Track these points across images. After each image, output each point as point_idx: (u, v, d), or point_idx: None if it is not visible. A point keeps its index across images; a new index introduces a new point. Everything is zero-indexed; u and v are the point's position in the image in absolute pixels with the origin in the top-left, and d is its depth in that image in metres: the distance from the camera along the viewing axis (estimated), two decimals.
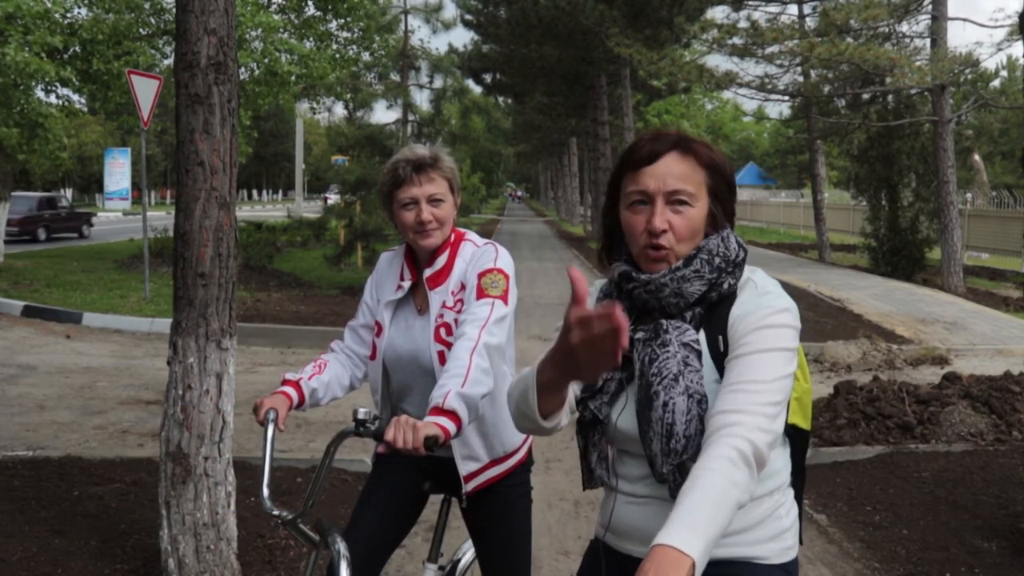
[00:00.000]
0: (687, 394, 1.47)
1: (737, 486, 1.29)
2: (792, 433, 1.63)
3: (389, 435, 1.84)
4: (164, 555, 3.30)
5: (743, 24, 17.75)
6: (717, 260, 1.54)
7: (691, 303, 1.54)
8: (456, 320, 2.21)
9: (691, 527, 1.20)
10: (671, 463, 1.47)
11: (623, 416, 1.58)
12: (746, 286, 1.56)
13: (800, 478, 1.69)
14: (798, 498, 1.68)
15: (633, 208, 1.56)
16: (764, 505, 1.57)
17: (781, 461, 1.61)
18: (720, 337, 1.52)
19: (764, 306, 1.50)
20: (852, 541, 4.19)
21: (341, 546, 1.33)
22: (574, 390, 1.62)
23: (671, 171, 1.53)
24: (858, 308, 12.08)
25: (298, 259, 17.21)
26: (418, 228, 2.24)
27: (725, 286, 1.54)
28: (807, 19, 20.22)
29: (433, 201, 2.24)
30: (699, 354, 1.51)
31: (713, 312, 1.55)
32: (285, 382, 2.25)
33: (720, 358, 1.52)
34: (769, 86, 18.87)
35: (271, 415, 2.12)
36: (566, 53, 24.87)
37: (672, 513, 1.24)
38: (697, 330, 1.54)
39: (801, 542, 1.69)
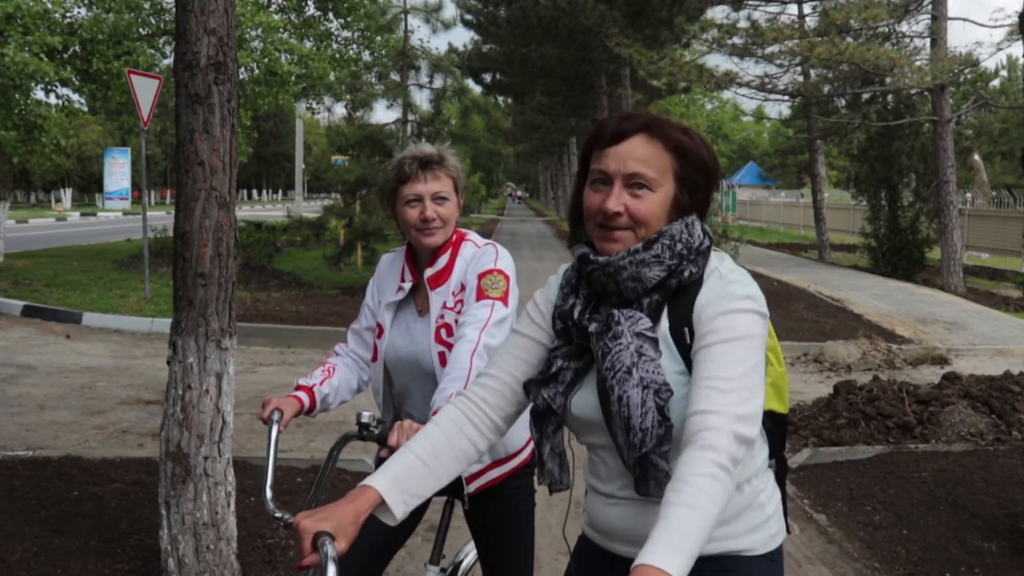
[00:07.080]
0: (641, 386, 1.44)
1: (717, 501, 1.30)
2: (769, 418, 1.61)
3: (393, 439, 1.85)
4: (164, 555, 3.30)
5: (743, 24, 17.78)
6: (679, 247, 1.51)
7: (649, 289, 1.51)
8: (456, 321, 2.20)
9: (673, 545, 1.22)
10: (633, 456, 1.46)
11: (578, 402, 1.56)
12: (711, 275, 1.53)
13: (782, 464, 1.66)
14: (780, 484, 1.65)
15: (594, 186, 1.54)
16: (743, 494, 1.55)
17: (755, 446, 1.57)
18: (686, 328, 1.49)
19: (728, 294, 1.47)
20: (852, 541, 4.19)
21: (329, 548, 1.33)
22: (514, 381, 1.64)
23: (633, 154, 1.51)
24: (858, 308, 12.08)
25: (298, 259, 17.19)
26: (421, 226, 2.23)
27: (686, 274, 1.51)
28: (807, 19, 20.24)
29: (437, 199, 2.24)
30: (655, 342, 1.48)
31: (677, 301, 1.52)
32: (298, 387, 2.26)
33: (686, 349, 1.49)
34: (769, 86, 18.87)
35: (275, 415, 2.11)
36: (566, 53, 24.90)
37: (654, 530, 1.25)
38: (655, 319, 1.51)
39: (788, 531, 1.66)
